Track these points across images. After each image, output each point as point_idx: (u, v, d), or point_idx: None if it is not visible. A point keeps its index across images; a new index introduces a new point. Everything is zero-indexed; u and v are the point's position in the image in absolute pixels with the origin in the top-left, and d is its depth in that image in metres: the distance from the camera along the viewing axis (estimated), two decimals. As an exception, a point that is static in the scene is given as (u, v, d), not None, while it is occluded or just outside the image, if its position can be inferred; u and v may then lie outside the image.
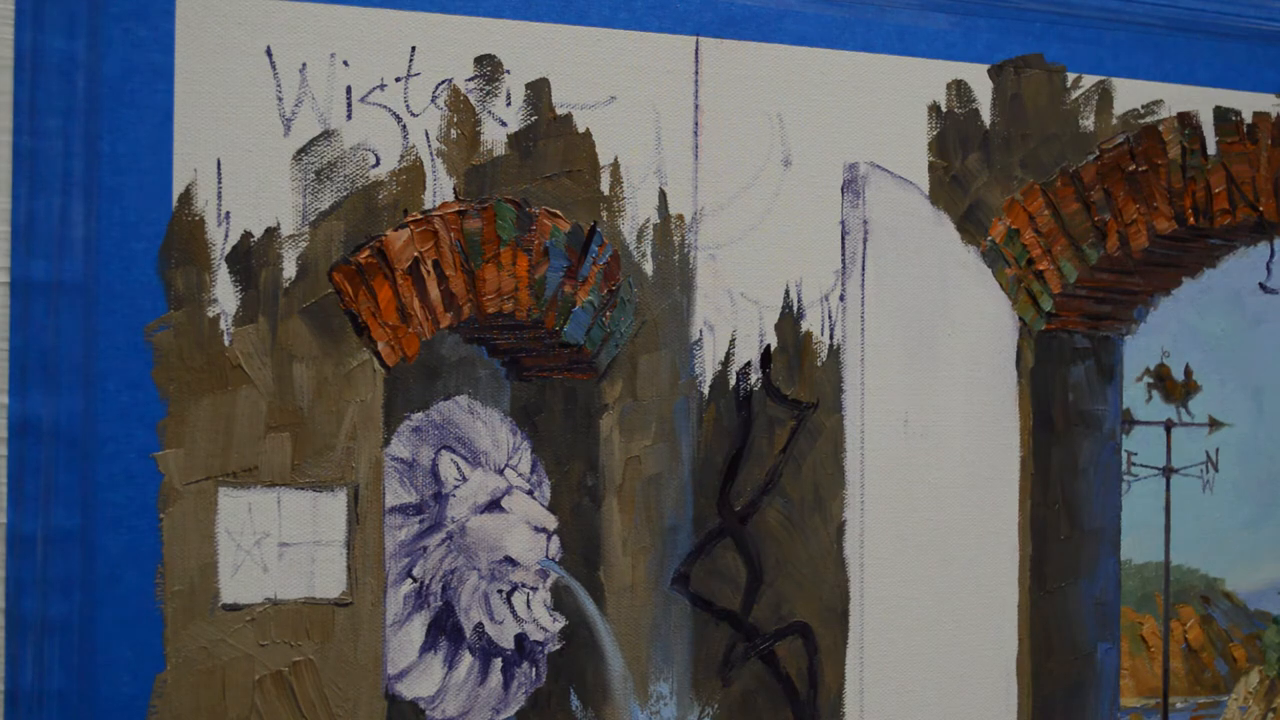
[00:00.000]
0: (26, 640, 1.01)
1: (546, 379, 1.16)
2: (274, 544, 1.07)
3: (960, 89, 1.29)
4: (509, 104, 1.14)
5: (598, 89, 1.16)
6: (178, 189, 1.05)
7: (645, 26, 1.18)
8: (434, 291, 1.11)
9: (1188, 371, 1.41)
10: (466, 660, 1.13)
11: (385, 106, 1.10)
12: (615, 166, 1.17)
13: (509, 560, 1.14)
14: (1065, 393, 1.34)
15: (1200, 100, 1.38)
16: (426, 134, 1.11)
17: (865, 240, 1.24)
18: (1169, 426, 1.40)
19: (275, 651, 1.07)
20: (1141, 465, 1.39)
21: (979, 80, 1.29)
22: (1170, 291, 1.39)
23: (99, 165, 1.03)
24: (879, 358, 1.25)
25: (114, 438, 1.03)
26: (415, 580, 1.12)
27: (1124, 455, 1.38)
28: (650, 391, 1.18)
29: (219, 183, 1.06)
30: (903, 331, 1.26)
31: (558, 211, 1.15)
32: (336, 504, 1.09)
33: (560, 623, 1.16)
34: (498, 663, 1.14)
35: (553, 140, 1.15)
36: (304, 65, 1.08)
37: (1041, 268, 1.32)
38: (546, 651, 1.16)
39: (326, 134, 1.09)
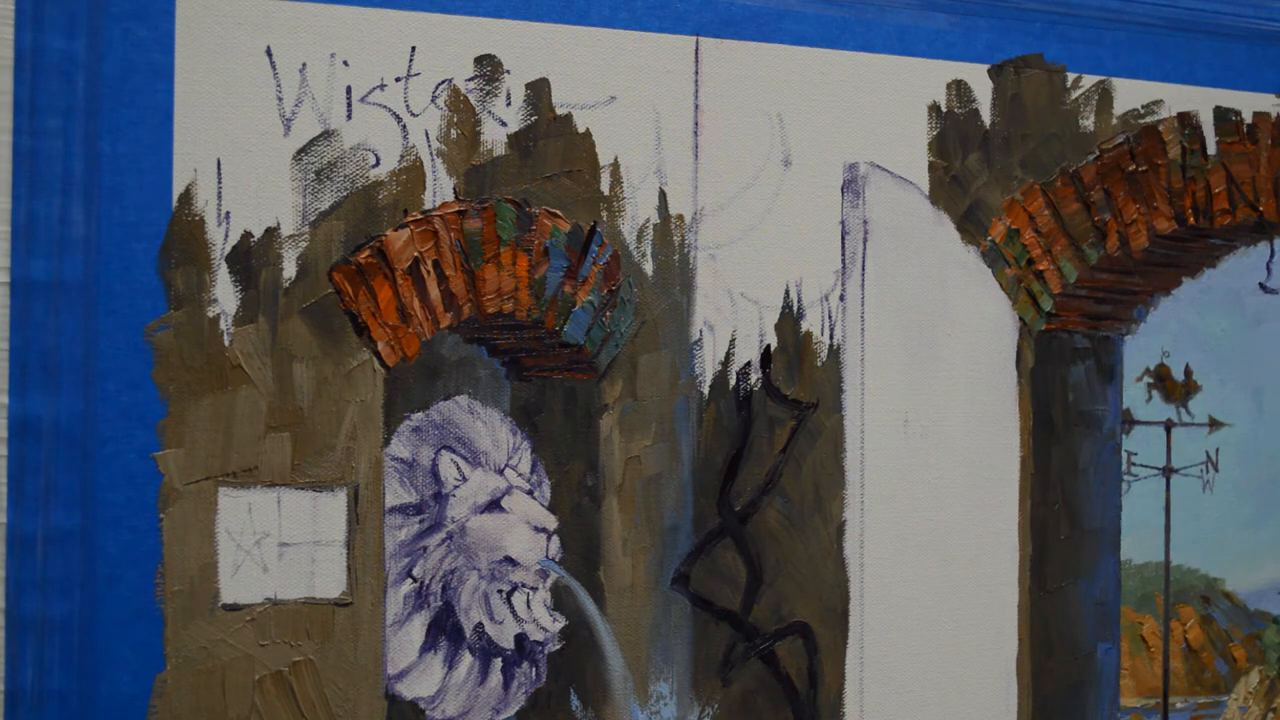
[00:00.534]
0: (26, 640, 1.01)
1: (546, 379, 1.16)
2: (274, 544, 1.07)
3: (960, 89, 1.29)
4: (509, 104, 1.14)
5: (598, 89, 1.16)
6: (178, 189, 1.05)
7: (645, 26, 1.18)
8: (434, 291, 1.11)
9: (1188, 371, 1.41)
10: (466, 660, 1.13)
11: (385, 106, 1.10)
12: (615, 166, 1.17)
13: (509, 560, 1.14)
14: (1065, 393, 1.34)
15: (1200, 100, 1.38)
16: (426, 134, 1.11)
17: (865, 240, 1.24)
18: (1169, 426, 1.40)
19: (275, 651, 1.07)
20: (1141, 465, 1.39)
21: (979, 80, 1.29)
22: (1170, 291, 1.39)
23: (99, 165, 1.03)
24: (879, 358, 1.25)
25: (114, 438, 1.03)
26: (415, 580, 1.12)
27: (1124, 455, 1.38)
28: (650, 391, 1.18)
29: (219, 183, 1.06)
30: (903, 331, 1.26)
31: (558, 211, 1.15)
32: (336, 504, 1.09)
33: (560, 623, 1.16)
34: (498, 663, 1.14)
35: (553, 140, 1.15)
36: (304, 65, 1.08)
37: (1041, 268, 1.32)
38: (546, 651, 1.16)
39: (326, 134, 1.09)
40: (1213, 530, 1.42)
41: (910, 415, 1.27)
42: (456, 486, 1.13)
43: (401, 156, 1.11)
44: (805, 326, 1.23)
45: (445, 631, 1.13)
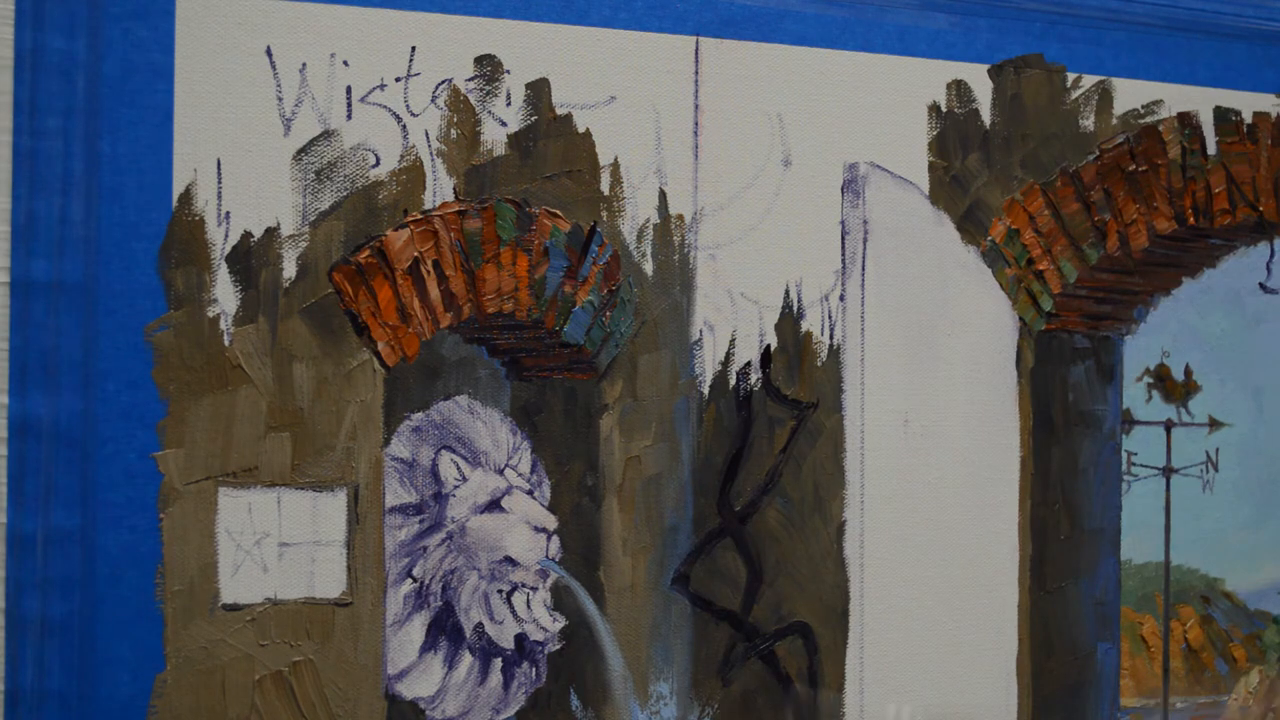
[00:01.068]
0: (26, 640, 1.01)
1: (546, 379, 1.16)
2: (274, 544, 1.07)
3: (960, 89, 1.29)
4: (509, 104, 1.14)
5: (598, 89, 1.16)
6: (178, 189, 1.05)
7: (645, 26, 1.18)
8: (434, 291, 1.11)
9: (1188, 371, 1.41)
10: (466, 660, 1.13)
11: (385, 106, 1.10)
12: (615, 166, 1.17)
13: (509, 560, 1.14)
14: (1065, 393, 1.34)
15: (1200, 100, 1.38)
16: (426, 134, 1.11)
17: (865, 240, 1.24)
18: (1169, 426, 1.40)
19: (275, 651, 1.07)
20: (1141, 465, 1.39)
21: (979, 80, 1.29)
22: (1170, 291, 1.39)
23: (99, 165, 1.03)
24: (879, 358, 1.25)
25: (114, 438, 1.03)
26: (415, 580, 1.12)
27: (1124, 455, 1.38)
28: (650, 391, 1.18)
29: (219, 183, 1.06)
30: (903, 331, 1.26)
31: (558, 211, 1.15)
32: (336, 504, 1.09)
33: (560, 623, 1.16)
34: (498, 663, 1.14)
35: (553, 140, 1.15)
36: (304, 65, 1.08)
37: (1041, 268, 1.32)
38: (546, 651, 1.16)
39: (326, 134, 1.09)
40: (1213, 530, 1.42)
41: (910, 415, 1.27)
42: (456, 486, 1.13)
43: (401, 156, 1.11)
44: (805, 326, 1.23)
45: (445, 631, 1.13)
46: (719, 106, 1.20)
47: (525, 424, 1.15)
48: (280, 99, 1.07)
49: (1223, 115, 1.38)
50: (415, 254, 1.11)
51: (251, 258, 1.07)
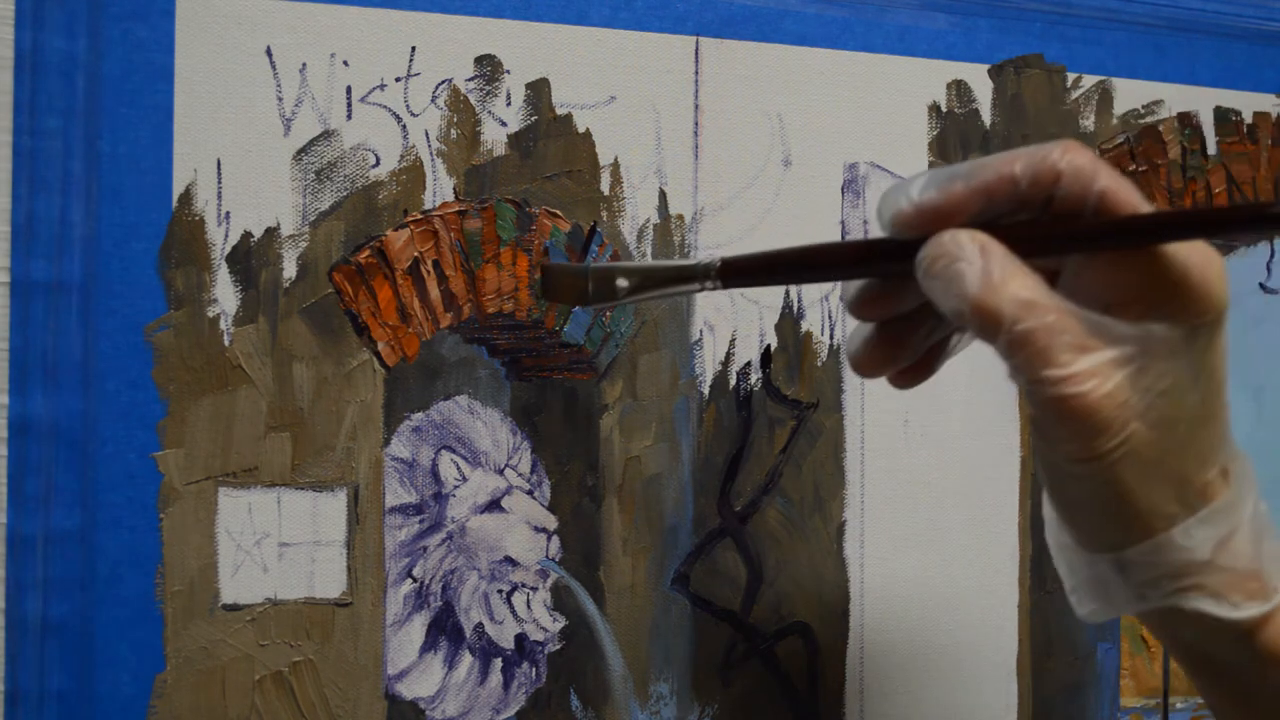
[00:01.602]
0: (26, 640, 1.01)
1: (546, 379, 1.16)
2: (274, 544, 1.07)
3: (960, 89, 1.29)
4: (509, 104, 1.14)
5: (598, 89, 1.16)
6: (178, 189, 1.05)
7: (645, 26, 1.18)
8: (434, 291, 1.11)
9: (1188, 371, 1.40)
10: (466, 660, 1.13)
11: (385, 106, 1.10)
12: (615, 166, 1.17)
13: (509, 560, 1.14)
14: (1065, 393, 1.34)
15: (1200, 100, 1.38)
16: (426, 134, 1.11)
17: (865, 240, 1.24)
18: (1169, 426, 1.40)
19: (275, 651, 1.07)
20: (1141, 465, 1.39)
21: (979, 80, 1.29)
22: (1170, 291, 1.39)
23: (99, 165, 1.03)
24: (879, 358, 1.25)
25: (114, 438, 1.03)
26: (415, 580, 1.11)
27: (1124, 455, 1.37)
28: (650, 391, 1.18)
29: (219, 183, 1.06)
30: (903, 331, 1.25)
31: (558, 211, 1.15)
32: (336, 504, 1.09)
33: (560, 623, 1.16)
34: (498, 663, 1.14)
35: (553, 140, 1.15)
36: (304, 65, 1.08)
37: (1041, 268, 1.31)
38: (546, 651, 1.16)
39: (326, 134, 1.09)
40: (1213, 530, 1.41)
41: (910, 415, 1.27)
42: (456, 486, 1.13)
43: (401, 156, 1.11)
44: (805, 326, 1.23)
45: (445, 631, 1.13)
46: (719, 106, 1.20)
47: (525, 424, 1.15)
48: (280, 99, 1.07)
49: (1223, 115, 1.38)
50: (415, 254, 1.11)
51: (251, 258, 1.07)
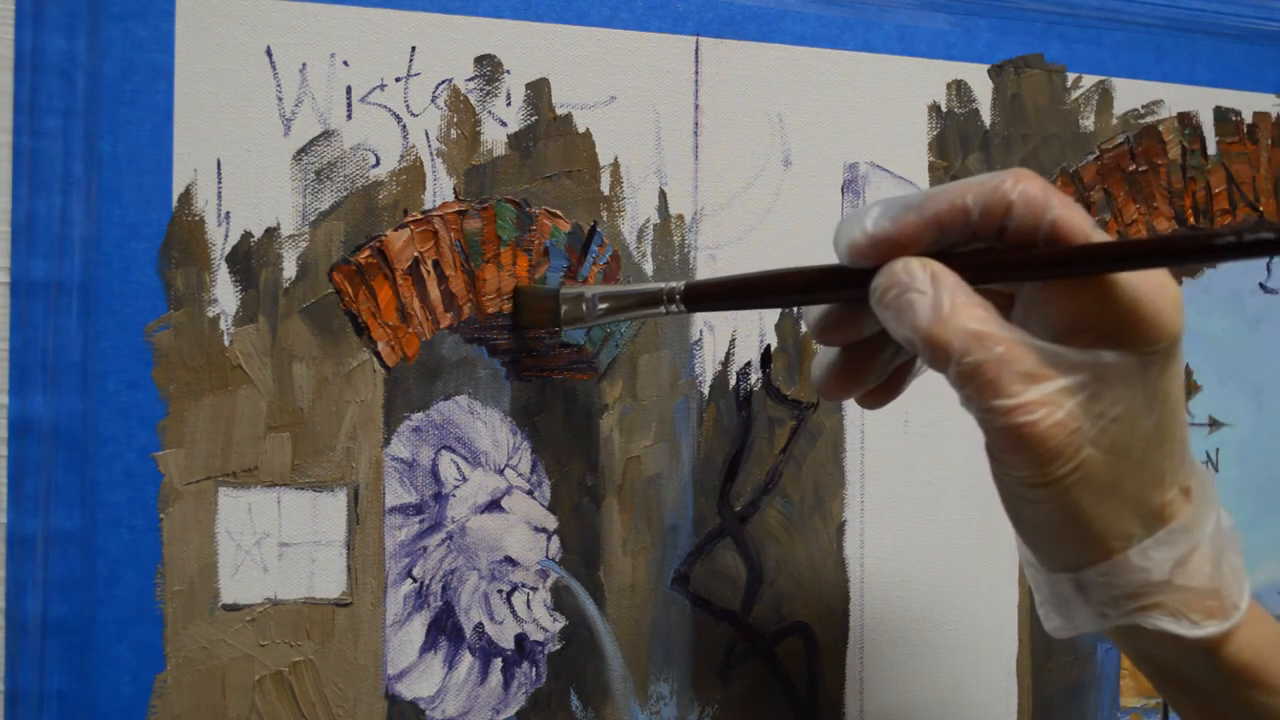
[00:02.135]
0: (26, 640, 1.01)
1: (546, 379, 1.16)
2: (274, 544, 1.07)
3: (960, 89, 1.29)
4: (509, 104, 1.14)
5: (598, 89, 1.16)
6: (178, 189, 1.05)
7: (645, 26, 1.18)
8: (434, 291, 1.11)
9: (1187, 371, 1.41)
10: (466, 660, 1.13)
11: (385, 106, 1.10)
12: (615, 166, 1.17)
13: (509, 560, 1.14)
14: (1065, 393, 1.34)
15: (1200, 100, 1.38)
16: (426, 134, 1.11)
17: (865, 240, 1.24)
18: (1169, 426, 1.40)
19: (275, 651, 1.07)
20: (1141, 465, 1.39)
21: (979, 80, 1.29)
22: (1170, 291, 1.39)
23: (99, 165, 1.03)
24: (879, 358, 1.25)
25: (114, 438, 1.03)
26: (415, 580, 1.12)
27: (1124, 455, 1.37)
28: (650, 391, 1.18)
29: (219, 183, 1.06)
30: (903, 331, 1.25)
31: (558, 211, 1.15)
32: (336, 504, 1.09)
33: (560, 623, 1.16)
34: (498, 663, 1.14)
35: (553, 140, 1.15)
36: (304, 65, 1.08)
37: (1041, 268, 1.31)
38: (546, 651, 1.16)
39: (326, 134, 1.09)
40: (1213, 530, 1.41)
41: (910, 415, 1.27)
42: (456, 486, 1.13)
43: (401, 156, 1.11)
44: (805, 326, 1.23)
45: (445, 631, 1.13)
46: (719, 106, 1.20)
47: (525, 424, 1.15)
48: (280, 99, 1.07)
49: (1223, 115, 1.38)
50: (415, 254, 1.11)
51: (251, 258, 1.07)
